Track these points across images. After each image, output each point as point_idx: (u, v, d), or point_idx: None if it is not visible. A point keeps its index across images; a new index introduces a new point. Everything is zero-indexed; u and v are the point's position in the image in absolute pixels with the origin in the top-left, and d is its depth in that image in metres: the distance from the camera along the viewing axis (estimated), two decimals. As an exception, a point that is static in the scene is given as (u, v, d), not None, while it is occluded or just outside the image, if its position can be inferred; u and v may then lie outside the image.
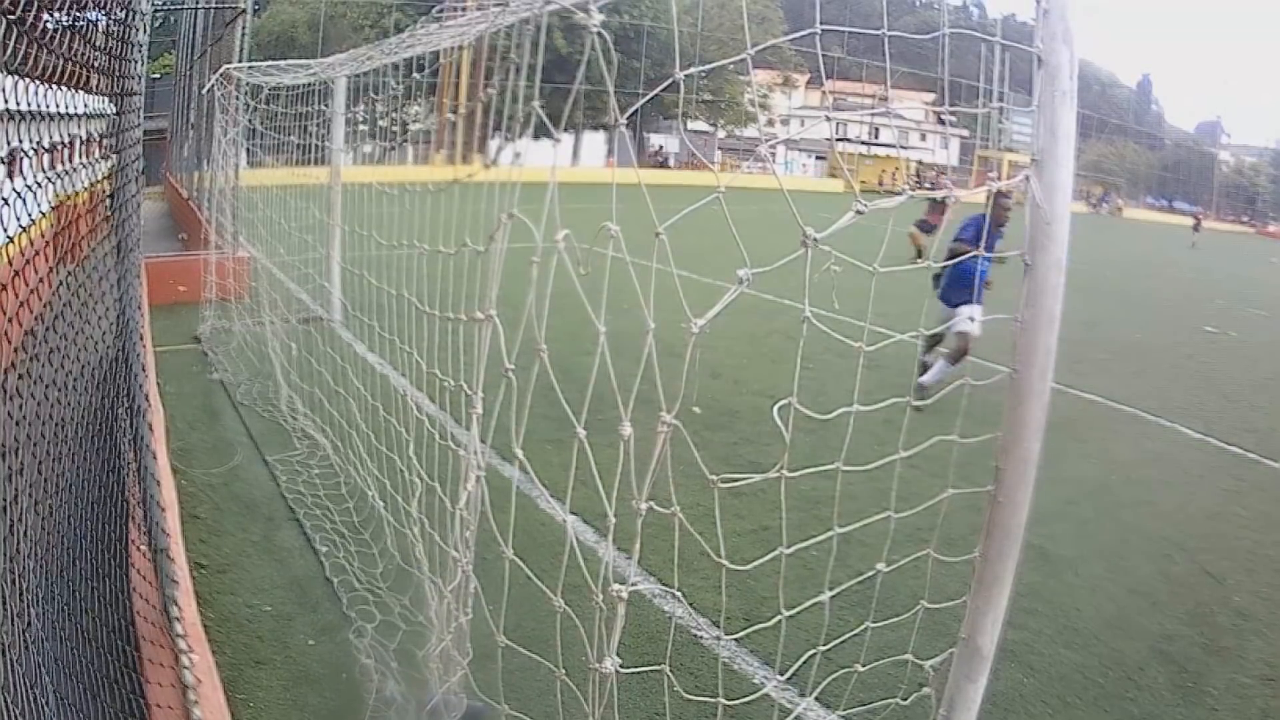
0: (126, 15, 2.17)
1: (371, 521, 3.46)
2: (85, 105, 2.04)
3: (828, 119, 2.26)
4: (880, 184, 35.06)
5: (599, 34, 1.43)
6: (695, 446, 1.51)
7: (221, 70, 7.13)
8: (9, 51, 1.13)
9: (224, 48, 10.22)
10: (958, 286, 5.57)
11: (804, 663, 2.39)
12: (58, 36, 1.49)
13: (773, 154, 37.87)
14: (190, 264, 7.54)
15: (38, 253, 1.41)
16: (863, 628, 2.08)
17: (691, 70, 1.63)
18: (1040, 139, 1.46)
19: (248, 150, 6.96)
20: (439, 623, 2.45)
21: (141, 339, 2.51)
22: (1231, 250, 27.59)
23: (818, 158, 41.29)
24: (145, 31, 2.31)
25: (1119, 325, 9.90)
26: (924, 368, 5.94)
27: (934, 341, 5.93)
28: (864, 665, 2.10)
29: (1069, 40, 1.42)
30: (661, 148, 38.40)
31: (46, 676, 1.37)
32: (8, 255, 1.20)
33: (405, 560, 3.02)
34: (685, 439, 1.51)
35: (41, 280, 1.40)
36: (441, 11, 3.49)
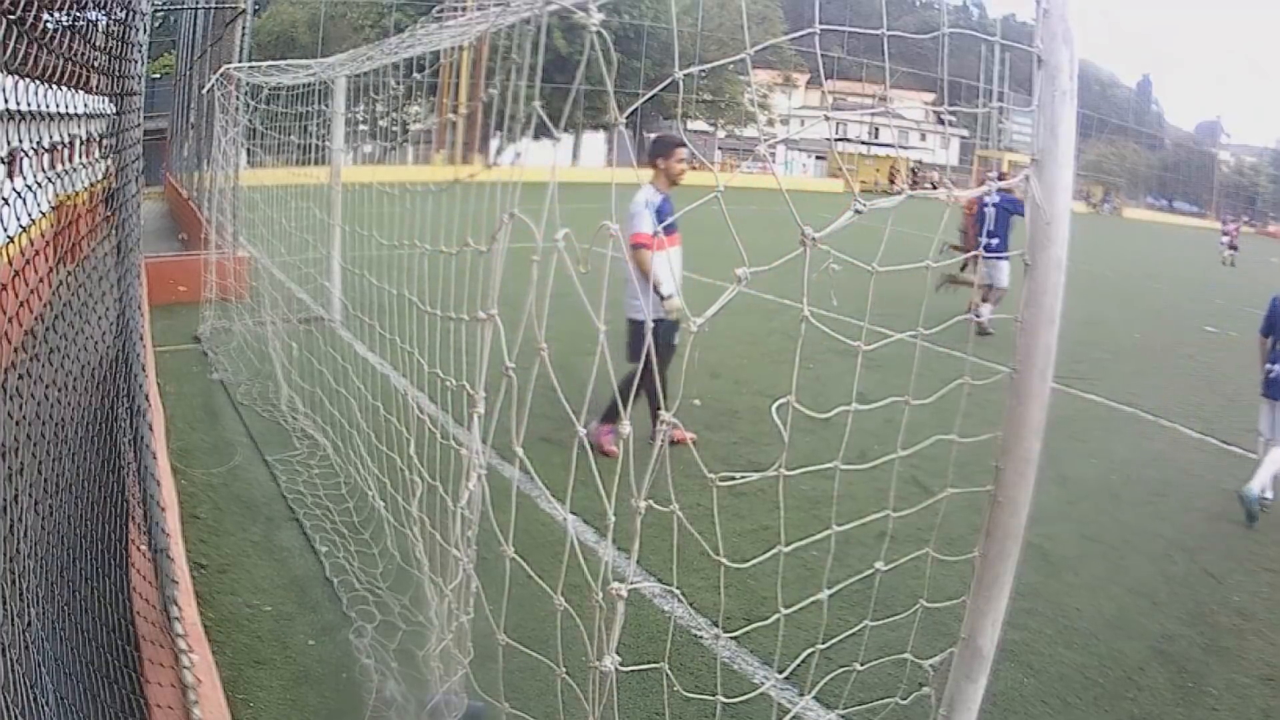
0: (126, 15, 2.17)
1: (371, 521, 3.45)
2: (85, 105, 2.05)
3: (828, 119, 2.26)
4: (891, 181, 34.94)
5: (599, 34, 1.43)
6: (695, 446, 1.50)
7: (221, 70, 7.13)
8: (9, 51, 1.13)
9: (224, 48, 10.22)
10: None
11: (803, 662, 2.39)
12: (58, 36, 1.49)
13: (773, 154, 37.89)
14: (190, 264, 7.54)
15: (38, 253, 1.41)
16: (862, 627, 2.08)
17: (691, 70, 1.63)
18: (1040, 139, 1.46)
19: (248, 150, 6.96)
20: (439, 622, 2.45)
21: (141, 339, 2.51)
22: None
23: (818, 158, 41.27)
24: (145, 31, 2.30)
25: (1119, 325, 9.90)
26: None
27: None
28: (863, 664, 2.10)
29: (1069, 40, 1.42)
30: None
31: (46, 676, 1.37)
32: (8, 255, 1.20)
33: (405, 560, 3.02)
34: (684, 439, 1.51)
35: (41, 280, 1.40)
36: (441, 11, 3.48)
